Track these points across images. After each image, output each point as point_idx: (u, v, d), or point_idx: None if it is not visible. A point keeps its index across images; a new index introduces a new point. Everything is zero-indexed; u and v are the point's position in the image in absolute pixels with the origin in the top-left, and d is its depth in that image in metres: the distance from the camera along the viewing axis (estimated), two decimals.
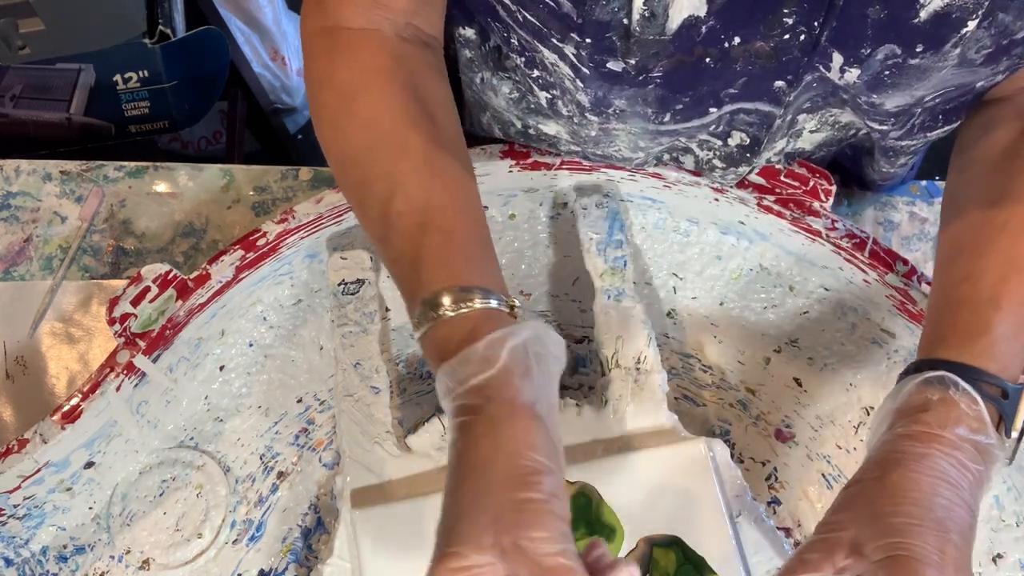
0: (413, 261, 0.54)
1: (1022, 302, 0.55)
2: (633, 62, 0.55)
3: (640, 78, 0.56)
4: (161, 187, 0.84)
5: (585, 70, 0.57)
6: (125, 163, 0.85)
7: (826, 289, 0.74)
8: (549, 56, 0.58)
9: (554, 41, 0.56)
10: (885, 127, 0.63)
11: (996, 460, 0.52)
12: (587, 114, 0.63)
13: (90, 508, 0.69)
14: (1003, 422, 0.53)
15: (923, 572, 0.46)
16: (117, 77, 1.21)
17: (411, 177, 0.56)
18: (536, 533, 0.44)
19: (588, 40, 0.54)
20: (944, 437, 0.50)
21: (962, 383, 0.52)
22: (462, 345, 0.50)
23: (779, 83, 0.57)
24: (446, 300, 0.52)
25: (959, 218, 0.60)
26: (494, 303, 0.52)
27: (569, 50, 0.56)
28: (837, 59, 0.55)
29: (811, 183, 0.72)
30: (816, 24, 0.52)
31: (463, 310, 0.52)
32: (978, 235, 0.58)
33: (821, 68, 0.56)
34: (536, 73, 0.63)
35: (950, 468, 0.50)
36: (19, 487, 0.63)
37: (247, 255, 0.69)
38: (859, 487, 0.51)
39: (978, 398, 0.51)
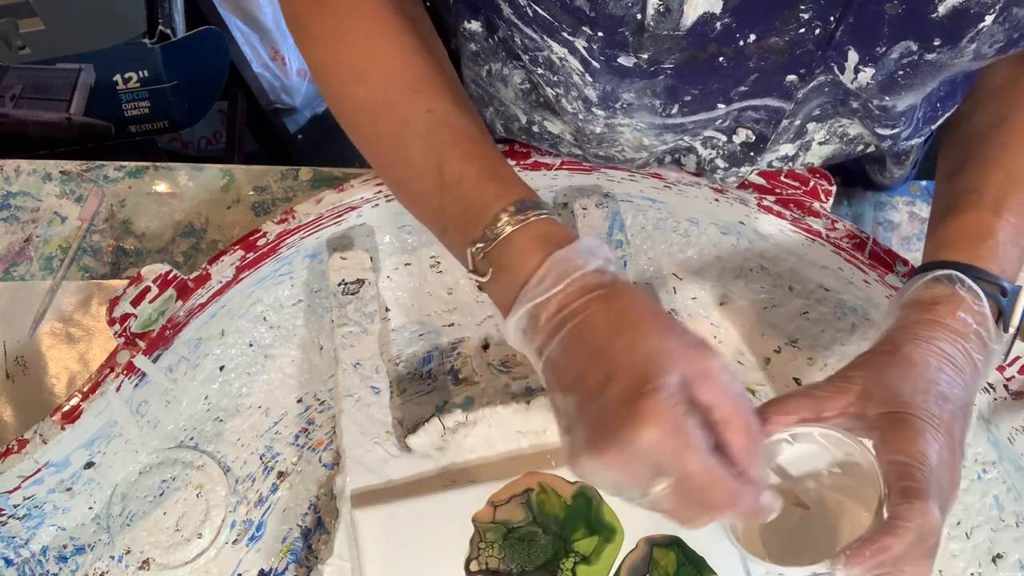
0: (479, 177, 0.57)
1: (1020, 212, 0.60)
2: (645, 56, 0.55)
3: (651, 69, 0.57)
4: (161, 187, 0.84)
5: (595, 64, 0.58)
6: (125, 163, 0.85)
7: (826, 289, 0.74)
8: (558, 51, 0.59)
9: (564, 35, 0.57)
10: (897, 129, 0.64)
11: (993, 354, 0.58)
12: (594, 108, 0.63)
13: (90, 508, 0.69)
14: (1002, 318, 0.58)
15: (920, 427, 0.51)
16: (117, 77, 1.21)
17: (451, 114, 0.59)
18: (719, 365, 0.49)
19: (600, 34, 0.55)
20: (952, 326, 0.56)
21: (967, 280, 0.57)
22: (565, 239, 0.54)
23: (791, 77, 0.58)
24: (527, 205, 0.55)
25: (960, 137, 0.66)
26: (556, 216, 0.57)
27: (580, 44, 0.57)
28: (852, 57, 0.55)
29: (811, 183, 0.72)
30: (832, 19, 0.53)
31: (543, 215, 0.55)
32: (981, 152, 0.63)
33: (835, 68, 0.56)
34: (540, 71, 0.63)
35: (956, 353, 0.55)
36: (19, 487, 0.63)
37: (247, 255, 0.69)
38: (872, 355, 0.56)
39: (981, 294, 0.57)
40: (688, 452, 0.47)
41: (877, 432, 0.52)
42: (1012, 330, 0.58)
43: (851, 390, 0.54)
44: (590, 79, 0.59)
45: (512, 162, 0.73)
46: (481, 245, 0.55)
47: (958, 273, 0.57)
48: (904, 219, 0.84)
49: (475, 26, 0.68)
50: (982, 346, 0.56)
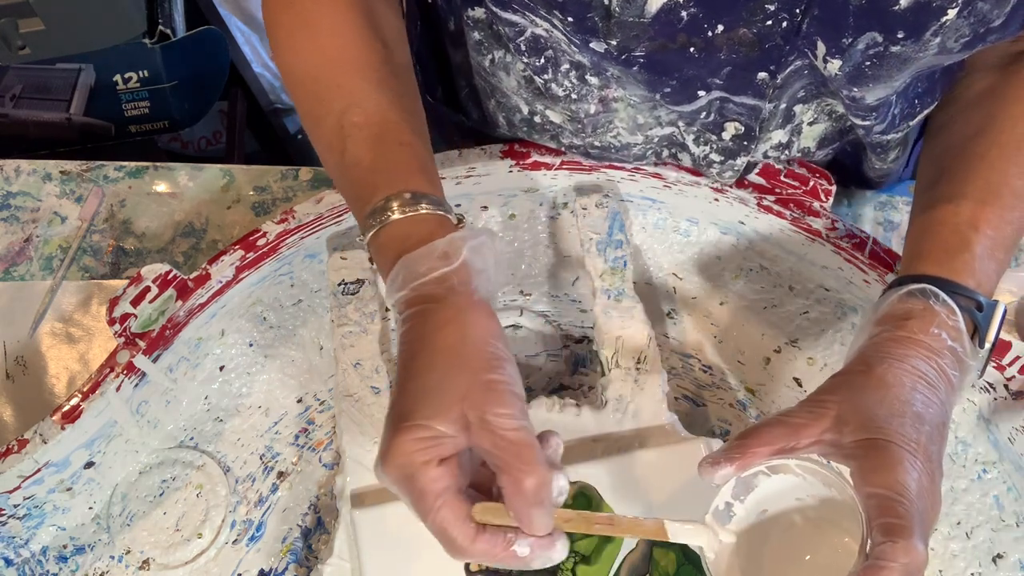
0: (372, 166, 0.57)
1: (998, 226, 0.59)
2: (614, 43, 0.56)
3: (623, 57, 0.58)
4: (161, 187, 0.84)
5: (576, 40, 0.59)
6: (125, 163, 0.85)
7: (826, 289, 0.74)
8: (542, 24, 0.60)
9: (542, 13, 0.58)
10: (868, 122, 0.64)
11: (969, 370, 0.56)
12: (588, 76, 0.63)
13: (90, 508, 0.69)
14: (977, 333, 0.56)
15: (898, 455, 0.49)
16: (117, 77, 1.21)
17: (369, 94, 0.59)
18: (501, 410, 0.47)
19: (570, 19, 0.56)
20: (926, 342, 0.54)
21: (942, 295, 0.55)
22: (423, 241, 0.53)
23: (762, 75, 0.58)
24: (407, 200, 0.55)
25: (941, 147, 0.65)
26: (449, 213, 0.56)
27: (557, 22, 0.58)
28: (821, 48, 0.56)
29: (811, 183, 0.72)
30: (798, 11, 0.53)
31: (422, 211, 0.55)
32: (959, 163, 0.62)
33: (809, 54, 0.57)
34: (526, 59, 0.64)
35: (930, 370, 0.53)
36: (19, 487, 0.63)
37: (247, 255, 0.69)
38: (846, 377, 0.54)
39: (956, 309, 0.55)
40: (419, 501, 0.47)
41: (854, 461, 0.51)
42: (988, 346, 0.57)
43: (826, 415, 0.52)
44: (576, 48, 0.60)
45: (511, 162, 0.73)
46: (360, 237, 0.56)
47: (932, 287, 0.55)
48: (904, 219, 0.84)
49: (479, 13, 0.68)
50: (957, 362, 0.55)
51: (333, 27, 0.60)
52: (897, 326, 0.55)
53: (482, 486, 0.50)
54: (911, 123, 0.68)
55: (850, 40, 0.54)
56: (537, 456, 0.47)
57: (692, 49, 0.56)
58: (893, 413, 0.51)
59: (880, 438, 0.50)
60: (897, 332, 0.55)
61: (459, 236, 0.53)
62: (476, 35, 0.70)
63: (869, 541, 0.48)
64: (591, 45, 0.57)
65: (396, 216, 0.55)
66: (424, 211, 0.55)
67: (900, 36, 0.53)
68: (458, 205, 0.75)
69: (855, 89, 0.59)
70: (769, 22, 0.54)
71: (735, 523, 0.54)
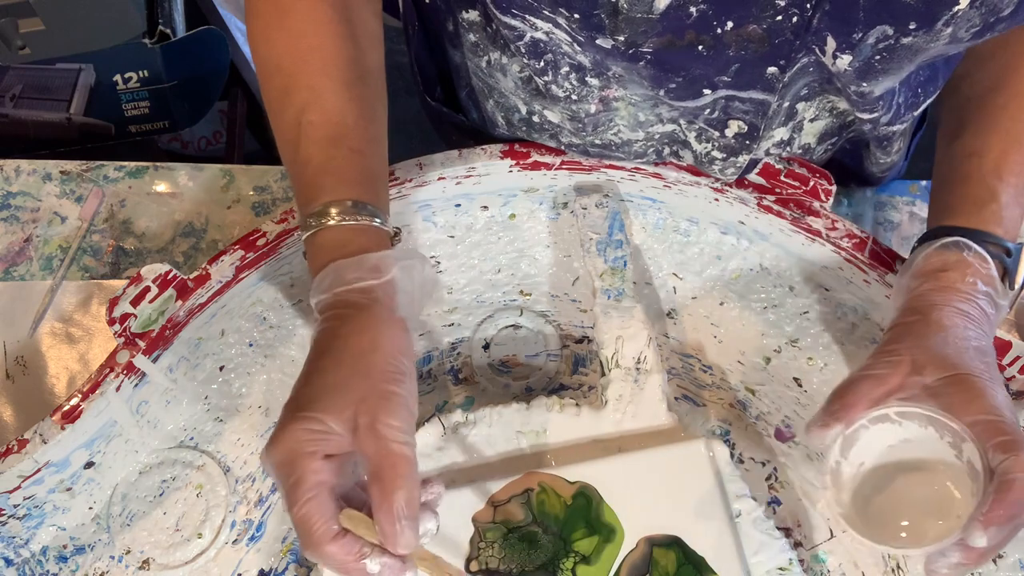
0: (320, 167, 0.58)
1: (1020, 172, 0.63)
2: (622, 39, 0.56)
3: (630, 52, 0.58)
4: (161, 187, 0.84)
5: (580, 38, 0.59)
6: (125, 163, 0.85)
7: (826, 289, 0.74)
8: (543, 26, 0.60)
9: (546, 12, 0.58)
10: (875, 114, 0.65)
11: (1001, 309, 0.61)
12: (588, 78, 0.63)
13: (90, 508, 0.69)
14: (1007, 276, 0.62)
15: (980, 384, 0.54)
16: (117, 77, 1.21)
17: (330, 95, 0.60)
18: (392, 420, 0.49)
19: (577, 16, 0.56)
20: (963, 290, 0.59)
21: (975, 246, 0.60)
22: (356, 252, 0.56)
23: (771, 69, 0.58)
24: (347, 208, 0.57)
25: (961, 98, 0.68)
26: (386, 226, 0.59)
27: (562, 20, 0.58)
28: (831, 43, 0.56)
29: (811, 183, 0.72)
30: (809, 5, 0.53)
31: (361, 221, 0.57)
32: (980, 115, 0.66)
33: (816, 50, 0.57)
34: (526, 60, 0.64)
35: (972, 310, 0.59)
36: (19, 487, 0.63)
37: (247, 255, 0.69)
38: (905, 327, 0.59)
39: (988, 258, 0.60)
40: (292, 489, 0.48)
41: (943, 398, 0.55)
42: (1017, 287, 0.62)
43: (903, 362, 0.56)
44: (579, 48, 0.60)
45: (512, 162, 0.73)
46: (300, 233, 0.58)
47: (965, 240, 0.60)
48: (904, 219, 0.84)
49: (473, 15, 0.68)
50: (991, 303, 0.60)
51: (307, 22, 0.61)
52: (936, 278, 0.60)
53: (353, 503, 0.51)
54: (915, 112, 0.69)
55: (860, 35, 0.54)
56: (412, 472, 0.49)
57: (700, 47, 0.56)
58: (960, 350, 0.56)
59: (960, 372, 0.55)
60: (937, 283, 0.60)
61: (391, 254, 0.57)
62: (471, 37, 0.70)
63: (989, 464, 0.52)
64: (597, 42, 0.57)
65: (334, 222, 0.57)
66: (362, 222, 0.57)
67: (912, 27, 0.53)
68: (458, 205, 0.75)
69: (864, 84, 0.59)
70: (779, 17, 0.54)
71: (848, 480, 0.57)
